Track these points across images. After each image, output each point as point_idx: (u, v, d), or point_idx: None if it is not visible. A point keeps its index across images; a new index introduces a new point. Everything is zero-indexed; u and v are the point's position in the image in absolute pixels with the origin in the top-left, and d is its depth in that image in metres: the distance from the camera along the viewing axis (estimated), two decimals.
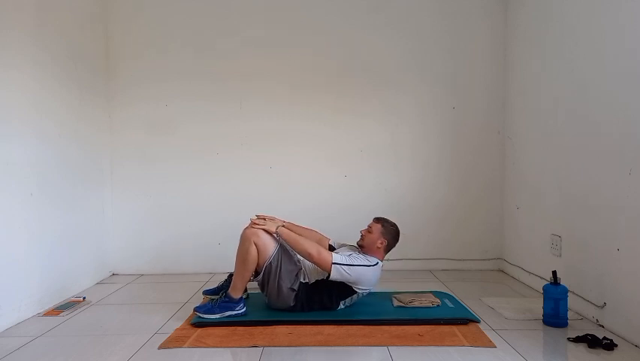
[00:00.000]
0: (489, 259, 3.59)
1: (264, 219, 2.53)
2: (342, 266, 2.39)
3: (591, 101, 2.43)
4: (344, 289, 2.46)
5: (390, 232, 2.60)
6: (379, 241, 2.56)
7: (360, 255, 2.52)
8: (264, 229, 2.44)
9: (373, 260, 2.50)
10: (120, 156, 3.54)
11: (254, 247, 2.38)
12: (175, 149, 3.55)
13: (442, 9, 3.54)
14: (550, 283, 2.35)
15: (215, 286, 2.75)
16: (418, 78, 3.56)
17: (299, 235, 2.52)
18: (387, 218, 2.65)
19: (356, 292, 2.47)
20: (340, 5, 3.54)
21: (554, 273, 2.35)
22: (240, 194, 3.55)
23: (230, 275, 2.59)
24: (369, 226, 2.61)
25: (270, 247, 2.42)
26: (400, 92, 3.56)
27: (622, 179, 2.16)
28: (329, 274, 2.39)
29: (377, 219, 2.63)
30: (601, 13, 2.36)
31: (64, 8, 2.96)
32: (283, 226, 2.50)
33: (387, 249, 2.60)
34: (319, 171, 3.58)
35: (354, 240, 3.24)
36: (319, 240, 2.69)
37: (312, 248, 2.40)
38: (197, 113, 3.54)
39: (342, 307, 2.51)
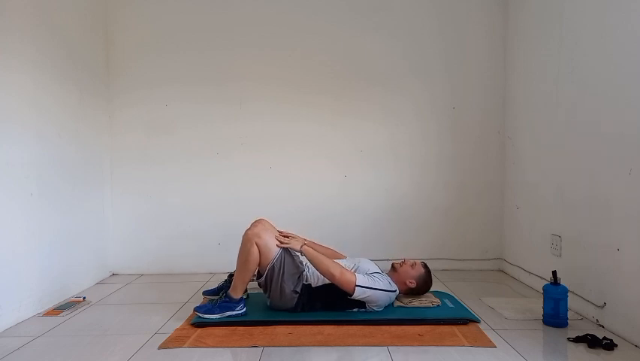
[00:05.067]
0: (489, 259, 3.59)
1: (287, 236, 2.54)
2: (365, 289, 2.39)
3: (591, 101, 2.43)
4: (355, 302, 2.45)
5: (425, 283, 2.63)
6: (411, 281, 2.59)
7: (384, 276, 2.53)
8: (288, 248, 2.45)
9: (394, 286, 2.52)
10: (120, 156, 3.54)
11: (256, 248, 2.38)
12: (175, 149, 3.55)
13: (442, 9, 3.54)
14: (550, 283, 2.35)
15: (215, 286, 2.75)
16: (418, 78, 3.56)
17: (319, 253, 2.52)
18: (431, 272, 2.69)
19: (365, 307, 2.47)
20: (340, 7, 3.54)
21: (554, 273, 2.35)
22: (239, 194, 3.55)
23: (230, 275, 2.59)
24: (415, 263, 2.65)
25: (272, 249, 2.42)
26: (400, 93, 3.56)
27: (622, 179, 2.16)
28: (351, 294, 2.39)
29: (425, 266, 2.67)
30: (601, 13, 2.36)
31: (64, 8, 2.95)
32: (305, 244, 2.51)
33: (409, 291, 2.62)
34: (319, 171, 3.58)
35: (354, 240, 3.25)
36: (335, 257, 2.68)
37: (336, 269, 2.40)
38: (197, 113, 3.54)
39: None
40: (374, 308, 2.47)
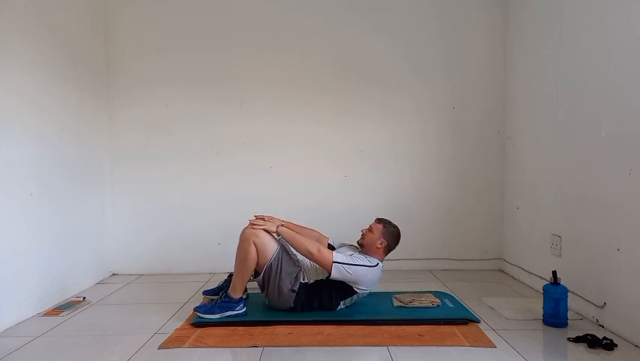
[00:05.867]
0: (489, 259, 3.59)
1: (263, 219, 2.52)
2: (343, 265, 2.38)
3: (591, 100, 2.43)
4: (344, 289, 2.45)
5: (390, 234, 2.58)
6: (379, 242, 2.55)
7: (361, 255, 2.51)
8: (264, 229, 2.43)
9: (374, 261, 2.49)
10: (120, 156, 3.54)
11: (253, 247, 2.37)
12: (175, 149, 3.55)
13: (442, 9, 3.54)
14: (550, 283, 2.35)
15: (215, 286, 2.75)
16: (418, 79, 3.56)
17: (298, 233, 2.52)
18: (390, 220, 2.64)
19: (356, 292, 2.47)
20: (340, 7, 3.54)
21: (554, 273, 2.35)
22: (239, 194, 3.55)
23: (230, 275, 2.59)
24: (371, 226, 2.61)
25: (269, 247, 2.41)
26: (400, 93, 3.56)
27: (622, 179, 2.16)
28: (329, 274, 2.39)
29: (379, 220, 2.63)
30: (601, 13, 2.36)
31: (64, 8, 2.95)
32: (282, 225, 2.50)
33: (387, 250, 2.59)
34: (319, 171, 3.58)
35: (354, 239, 3.23)
36: (318, 238, 2.68)
37: (313, 247, 2.40)
38: (197, 113, 3.54)
39: (342, 307, 2.51)
40: (363, 290, 2.45)
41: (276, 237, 2.47)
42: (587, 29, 2.48)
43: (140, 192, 3.55)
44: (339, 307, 2.50)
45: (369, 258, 2.50)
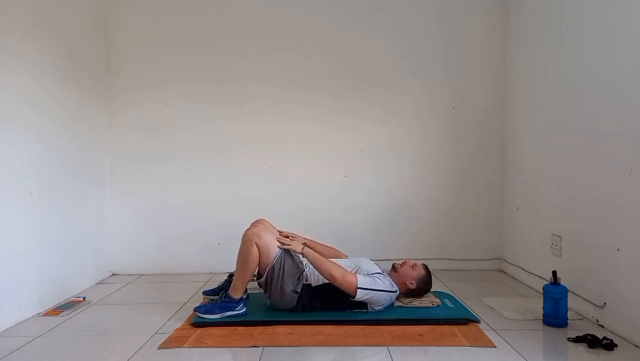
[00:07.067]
0: (489, 259, 3.59)
1: (287, 237, 2.55)
2: (367, 290, 2.40)
3: (591, 100, 2.43)
4: (356, 303, 2.45)
5: (424, 283, 2.62)
6: (411, 282, 2.58)
7: (385, 277, 2.53)
8: (289, 249, 2.45)
9: (395, 287, 2.52)
10: (120, 156, 3.54)
11: (255, 248, 2.38)
12: (175, 149, 3.55)
13: (442, 9, 3.54)
14: (550, 283, 2.35)
15: (215, 286, 2.75)
16: (418, 78, 3.56)
17: (319, 253, 2.52)
18: (432, 275, 2.68)
19: (366, 308, 2.47)
20: (340, 7, 3.54)
21: (554, 273, 2.35)
22: (239, 194, 3.55)
23: (231, 275, 2.59)
24: (416, 264, 2.64)
25: (272, 249, 2.42)
26: (400, 93, 3.56)
27: (622, 179, 2.16)
28: (353, 296, 2.40)
29: (426, 267, 2.67)
30: (601, 13, 2.36)
31: (64, 8, 2.95)
32: (305, 243, 2.52)
33: (409, 291, 2.61)
34: (319, 171, 3.58)
35: (354, 240, 3.24)
36: (337, 257, 2.69)
37: (337, 272, 2.40)
38: (197, 113, 3.54)
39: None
40: (375, 309, 2.47)
41: (301, 256, 2.49)
42: (587, 29, 2.48)
43: (140, 192, 3.55)
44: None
45: (392, 282, 2.53)
